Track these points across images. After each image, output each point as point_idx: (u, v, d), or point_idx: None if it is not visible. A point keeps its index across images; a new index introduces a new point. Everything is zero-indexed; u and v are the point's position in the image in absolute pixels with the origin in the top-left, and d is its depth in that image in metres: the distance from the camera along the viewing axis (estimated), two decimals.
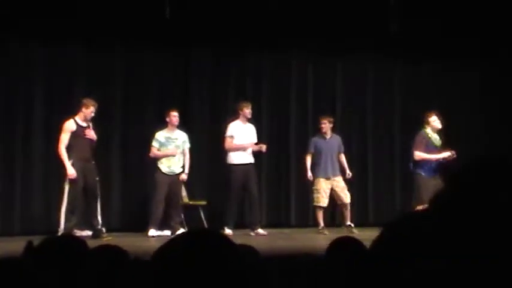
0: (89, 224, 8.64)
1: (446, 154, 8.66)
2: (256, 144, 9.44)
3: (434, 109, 9.04)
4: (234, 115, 9.48)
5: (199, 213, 9.72)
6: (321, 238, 8.71)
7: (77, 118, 8.57)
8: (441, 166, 8.58)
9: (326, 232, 9.26)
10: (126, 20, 9.39)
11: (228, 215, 9.26)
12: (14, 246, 5.57)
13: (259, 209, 9.65)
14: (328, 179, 9.58)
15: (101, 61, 9.74)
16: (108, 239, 8.03)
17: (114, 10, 9.30)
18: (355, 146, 10.86)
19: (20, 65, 9.41)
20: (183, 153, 9.26)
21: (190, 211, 9.64)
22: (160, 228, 9.03)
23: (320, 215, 9.57)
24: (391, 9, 9.56)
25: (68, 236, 4.92)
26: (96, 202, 8.60)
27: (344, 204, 9.63)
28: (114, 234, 8.72)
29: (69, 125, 8.51)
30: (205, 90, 10.38)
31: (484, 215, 1.12)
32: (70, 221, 8.32)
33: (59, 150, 8.44)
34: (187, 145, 9.30)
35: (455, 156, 8.58)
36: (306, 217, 10.47)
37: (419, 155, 8.68)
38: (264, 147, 9.42)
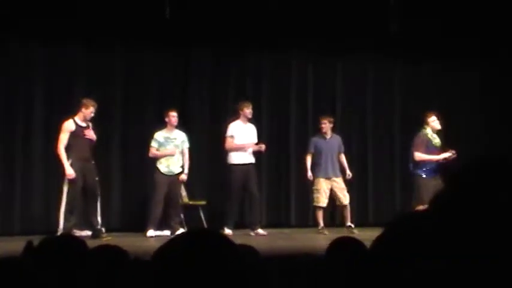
0: (89, 224, 8.63)
1: (446, 154, 8.66)
2: (256, 144, 9.44)
3: (434, 109, 9.03)
4: (235, 115, 9.48)
5: (199, 213, 9.71)
6: (320, 238, 8.71)
7: (77, 118, 8.57)
8: (441, 166, 8.58)
9: (326, 232, 9.26)
10: (126, 20, 9.39)
11: (228, 215, 9.26)
12: (13, 246, 5.57)
13: (259, 209, 9.65)
14: (328, 179, 9.58)
15: (101, 61, 9.73)
16: (107, 239, 8.03)
17: (114, 10, 9.30)
18: (355, 146, 10.86)
19: (20, 65, 9.40)
20: (182, 153, 9.26)
21: (190, 211, 9.64)
22: (160, 228, 9.03)
23: (320, 215, 9.57)
24: (391, 9, 9.56)
25: (68, 236, 4.91)
26: (96, 202, 8.59)
27: (343, 206, 9.63)
28: (114, 234, 8.72)
29: (68, 125, 8.51)
30: (205, 90, 10.38)
31: (484, 215, 1.12)
32: (69, 221, 8.31)
33: (58, 150, 8.44)
34: (187, 145, 9.30)
35: (455, 155, 8.57)
36: (306, 217, 10.47)
37: (419, 156, 8.67)
38: (263, 147, 9.41)
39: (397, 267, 1.09)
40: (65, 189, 8.41)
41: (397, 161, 10.93)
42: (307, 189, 9.92)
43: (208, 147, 10.12)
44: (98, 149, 8.85)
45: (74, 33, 9.43)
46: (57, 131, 8.54)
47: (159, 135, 9.15)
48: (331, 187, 9.58)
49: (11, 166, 9.26)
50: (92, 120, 8.65)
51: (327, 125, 9.72)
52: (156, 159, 9.13)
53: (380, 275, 1.12)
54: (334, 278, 2.48)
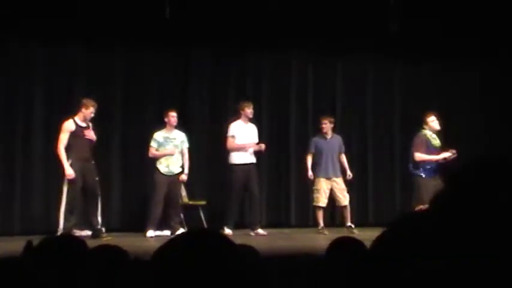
0: (89, 224, 8.63)
1: (446, 154, 8.65)
2: (257, 144, 9.44)
3: (434, 110, 9.03)
4: (236, 115, 9.48)
5: (199, 213, 9.71)
6: (320, 238, 8.71)
7: (77, 118, 8.57)
8: (441, 167, 8.58)
9: (326, 232, 9.26)
10: (126, 20, 9.39)
11: (229, 215, 9.26)
12: (13, 246, 5.57)
13: (259, 209, 9.65)
14: (328, 179, 9.58)
15: (101, 61, 9.74)
16: (107, 239, 8.03)
17: (114, 10, 9.30)
18: (355, 146, 10.86)
19: (20, 65, 9.40)
20: (182, 153, 9.25)
21: (190, 211, 9.64)
22: (160, 228, 9.03)
23: (320, 215, 9.57)
24: (391, 9, 9.56)
25: (68, 235, 4.92)
26: (97, 202, 8.59)
27: (342, 206, 9.63)
28: (114, 234, 8.72)
29: (68, 125, 8.51)
30: (205, 90, 10.38)
31: (484, 215, 1.12)
32: (69, 221, 8.31)
33: (58, 150, 8.44)
34: (186, 145, 9.29)
35: (455, 155, 8.56)
36: (306, 217, 10.47)
37: (419, 156, 8.66)
38: (263, 146, 9.41)
39: (397, 267, 1.09)
40: (65, 189, 8.41)
41: (397, 161, 10.93)
42: (307, 189, 9.92)
43: (208, 147, 10.12)
44: (98, 149, 8.85)
45: (74, 33, 9.43)
46: (57, 131, 8.54)
47: (159, 135, 9.15)
48: (331, 187, 9.58)
49: (11, 166, 9.26)
50: (92, 120, 8.65)
51: (327, 125, 9.73)
52: (155, 159, 9.13)
53: (380, 275, 1.12)
54: (334, 278, 2.48)
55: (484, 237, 1.09)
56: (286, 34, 10.08)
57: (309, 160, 9.65)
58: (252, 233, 9.15)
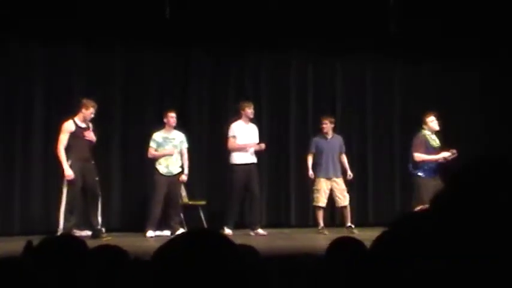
0: (89, 224, 8.63)
1: (446, 154, 8.64)
2: (257, 144, 9.44)
3: (433, 110, 9.01)
4: (236, 115, 9.48)
5: (199, 213, 9.71)
6: (320, 238, 8.71)
7: (76, 119, 8.56)
8: (441, 167, 8.57)
9: (326, 232, 9.25)
10: (126, 20, 9.39)
11: (229, 214, 9.26)
12: (13, 246, 5.57)
13: (259, 209, 9.65)
14: (329, 179, 9.58)
15: (101, 61, 9.74)
16: (107, 239, 8.03)
17: (114, 10, 9.30)
18: (355, 146, 10.85)
19: (20, 65, 9.40)
20: (181, 153, 9.25)
21: (190, 211, 9.64)
22: (160, 228, 9.03)
23: (320, 215, 9.57)
24: (391, 10, 9.56)
25: (68, 236, 4.91)
26: (97, 202, 8.58)
27: (342, 206, 9.63)
28: (114, 234, 8.72)
29: (68, 126, 8.50)
30: (205, 90, 10.38)
31: (484, 215, 1.12)
32: (69, 222, 8.31)
33: (58, 151, 8.43)
34: (185, 145, 9.29)
35: (456, 154, 8.55)
36: (306, 217, 10.47)
37: (419, 156, 8.66)
38: (263, 146, 9.41)
39: (397, 267, 1.09)
40: (65, 189, 8.40)
41: (397, 161, 10.92)
42: (307, 189, 9.92)
43: (208, 147, 10.12)
44: (98, 149, 8.85)
45: (74, 33, 9.43)
46: (57, 131, 8.54)
47: (158, 136, 9.15)
48: (331, 187, 9.58)
49: (10, 166, 9.25)
50: (92, 120, 8.65)
51: (328, 125, 9.72)
52: (155, 159, 9.13)
53: (380, 275, 1.12)
54: (334, 278, 2.48)
55: (484, 237, 1.09)
56: (286, 34, 10.08)
57: (310, 160, 9.64)
58: (252, 233, 9.15)
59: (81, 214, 8.66)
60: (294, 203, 10.59)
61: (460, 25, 10.21)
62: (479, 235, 1.09)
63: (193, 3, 9.61)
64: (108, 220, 9.14)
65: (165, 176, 9.07)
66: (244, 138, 9.33)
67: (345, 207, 9.61)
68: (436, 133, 8.85)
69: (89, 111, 8.53)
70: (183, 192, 9.63)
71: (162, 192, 8.98)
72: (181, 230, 8.72)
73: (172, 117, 9.16)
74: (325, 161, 9.59)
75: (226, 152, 9.38)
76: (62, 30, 9.32)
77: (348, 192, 9.68)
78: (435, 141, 8.78)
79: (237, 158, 9.28)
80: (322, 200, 9.53)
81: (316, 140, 9.76)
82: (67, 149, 8.44)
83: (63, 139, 8.44)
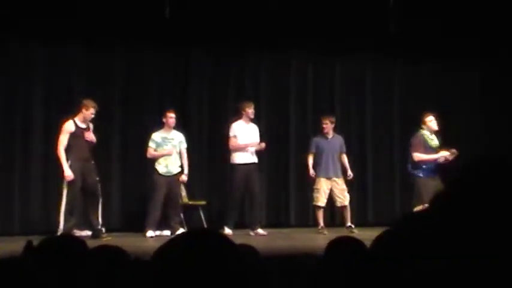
0: (89, 224, 8.63)
1: (446, 153, 8.64)
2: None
3: (433, 110, 9.01)
4: (236, 115, 9.47)
5: (199, 213, 9.71)
6: (320, 238, 8.71)
7: (76, 119, 8.56)
8: (440, 167, 8.57)
9: (325, 232, 9.25)
10: (126, 20, 9.39)
11: (229, 214, 9.26)
12: (13, 246, 5.57)
13: (259, 209, 9.65)
14: (329, 179, 9.58)
15: (101, 61, 9.73)
16: (107, 239, 8.04)
17: (114, 10, 9.30)
18: (355, 146, 10.85)
19: (20, 65, 9.40)
20: (180, 153, 9.25)
21: (190, 211, 9.64)
22: (160, 228, 9.03)
23: (320, 215, 9.57)
24: (391, 10, 9.55)
25: (68, 236, 4.91)
26: (97, 202, 8.58)
27: (342, 206, 9.63)
28: (114, 234, 8.72)
29: (68, 126, 8.50)
30: (205, 90, 10.38)
31: (484, 215, 1.12)
32: (69, 222, 8.30)
33: (58, 151, 8.43)
34: (184, 145, 9.28)
35: (456, 154, 8.55)
36: (305, 217, 10.47)
37: (418, 156, 8.65)
38: (263, 145, 9.41)
39: (397, 267, 1.09)
40: (65, 190, 8.40)
41: (397, 161, 10.92)
42: (307, 189, 9.92)
43: (208, 147, 10.12)
44: (98, 149, 8.85)
45: (74, 33, 9.43)
46: (56, 131, 8.53)
47: (157, 136, 9.15)
48: (331, 187, 9.59)
49: (10, 166, 9.25)
50: (92, 121, 8.65)
51: (328, 125, 9.72)
52: (154, 160, 9.13)
53: (380, 275, 1.12)
54: (334, 278, 2.48)
55: (484, 237, 1.09)
56: (286, 34, 10.08)
57: (310, 160, 9.64)
58: (252, 233, 9.15)
59: (81, 214, 8.65)
60: (293, 203, 10.59)
61: (460, 25, 10.21)
62: (479, 235, 1.09)
63: (193, 3, 9.60)
64: (108, 220, 9.13)
65: (164, 176, 9.06)
66: (245, 138, 9.33)
67: (345, 207, 9.61)
68: (436, 133, 8.84)
69: (89, 112, 8.52)
70: (183, 192, 9.63)
71: (161, 192, 8.97)
72: (181, 230, 8.72)
73: (171, 117, 9.16)
74: (325, 161, 9.59)
75: (227, 152, 9.38)
76: (62, 30, 9.32)
77: (348, 192, 9.68)
78: (433, 141, 8.77)
79: (237, 158, 9.28)
80: (321, 200, 9.53)
81: (317, 139, 9.76)
82: (67, 149, 8.43)
83: (63, 140, 8.43)
